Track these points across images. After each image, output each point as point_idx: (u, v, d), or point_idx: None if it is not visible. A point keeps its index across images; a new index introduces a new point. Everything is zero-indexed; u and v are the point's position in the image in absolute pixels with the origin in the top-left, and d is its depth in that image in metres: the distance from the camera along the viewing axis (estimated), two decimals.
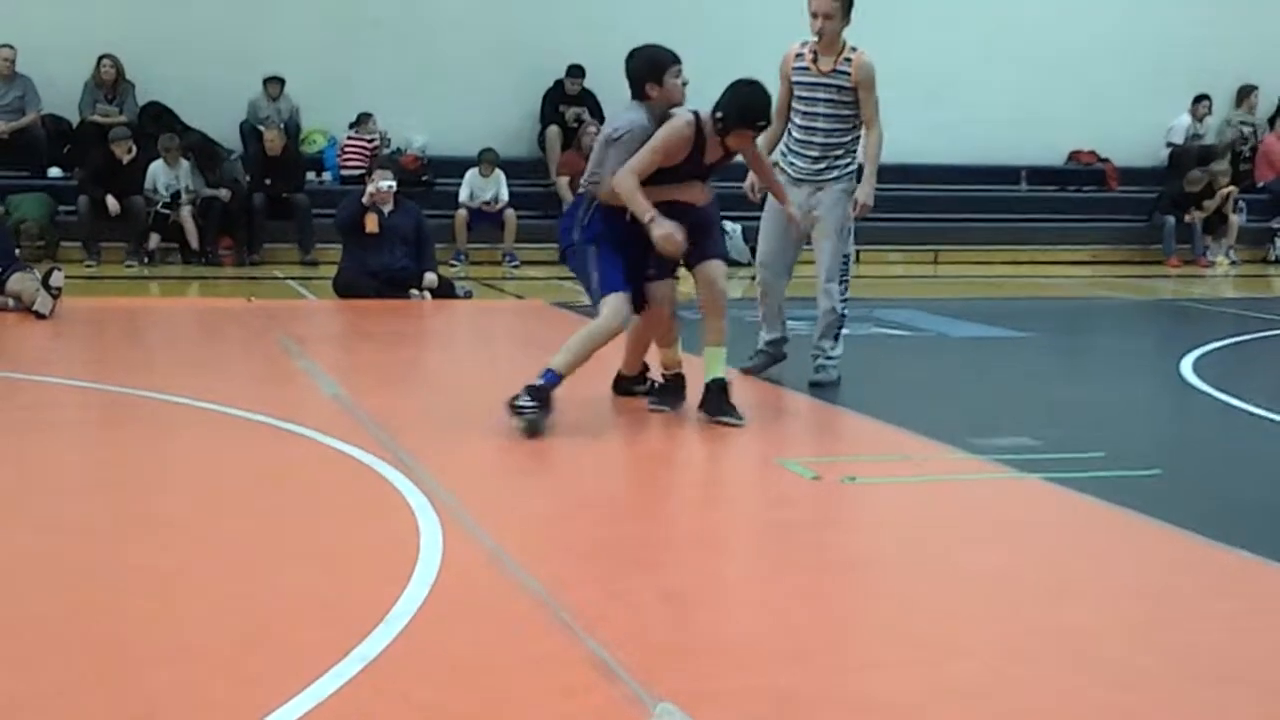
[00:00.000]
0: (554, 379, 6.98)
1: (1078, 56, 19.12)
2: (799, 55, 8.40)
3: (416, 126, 17.52)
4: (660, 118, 7.17)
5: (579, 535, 5.40)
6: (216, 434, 6.95)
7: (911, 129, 16.91)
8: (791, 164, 8.50)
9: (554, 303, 12.72)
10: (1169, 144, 19.53)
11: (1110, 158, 19.51)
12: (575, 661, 3.93)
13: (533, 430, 6.82)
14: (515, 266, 16.41)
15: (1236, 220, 18.50)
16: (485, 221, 16.67)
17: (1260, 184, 19.43)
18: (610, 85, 17.74)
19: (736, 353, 7.93)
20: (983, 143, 18.63)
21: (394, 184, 12.74)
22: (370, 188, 12.62)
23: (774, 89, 7.44)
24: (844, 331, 8.65)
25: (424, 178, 16.73)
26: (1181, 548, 5.22)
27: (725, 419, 7.20)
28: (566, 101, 17.78)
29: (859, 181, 8.45)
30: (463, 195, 16.60)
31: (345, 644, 3.91)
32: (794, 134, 8.46)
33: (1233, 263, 18.25)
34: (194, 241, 15.78)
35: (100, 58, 16.49)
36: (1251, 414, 7.87)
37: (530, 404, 6.86)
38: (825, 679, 3.90)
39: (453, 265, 15.87)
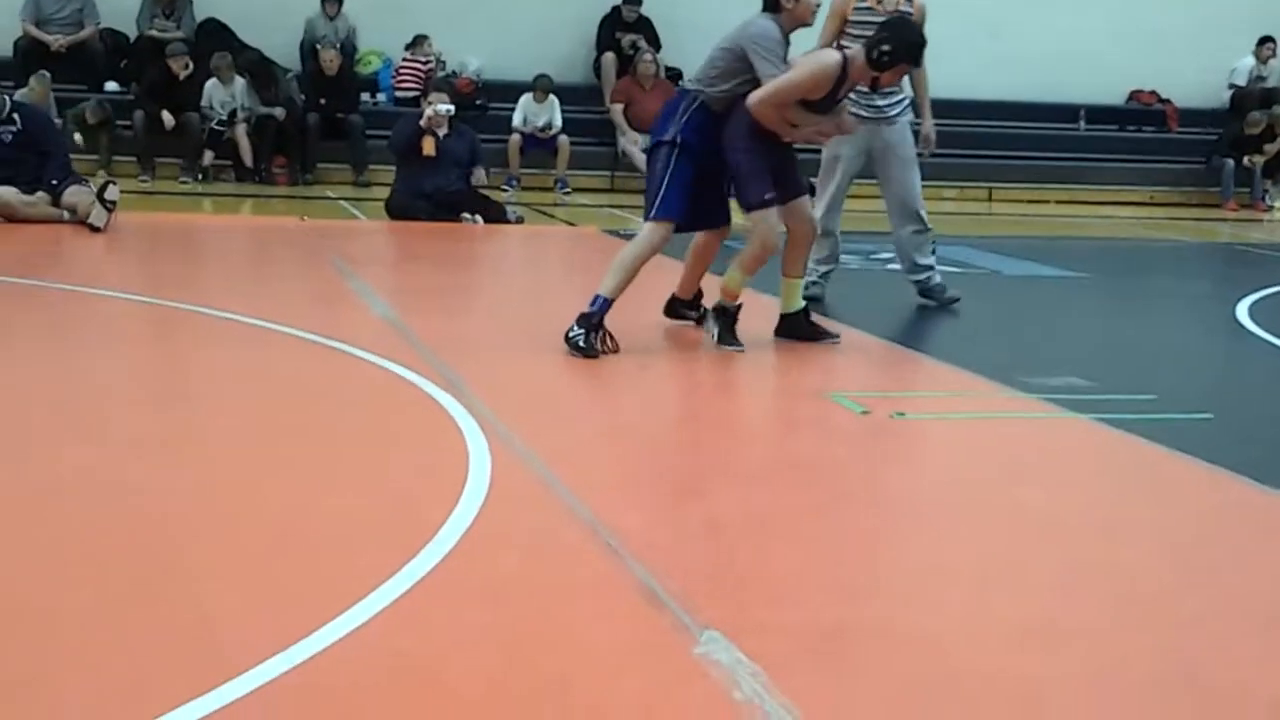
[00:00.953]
0: (604, 304, 6.99)
1: None
2: None
3: (472, 50, 17.44)
4: (787, 34, 7.16)
5: (627, 463, 5.41)
6: (266, 350, 6.98)
7: (970, 63, 16.81)
8: (855, 101, 8.35)
9: (605, 230, 12.71)
10: (1231, 85, 19.25)
11: (1171, 98, 19.27)
12: (622, 588, 3.94)
13: (587, 354, 6.84)
14: (567, 193, 16.38)
15: None
16: (538, 147, 16.62)
17: None
18: (667, 13, 17.73)
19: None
20: (1042, 79, 18.42)
21: (452, 108, 12.71)
22: (428, 111, 12.59)
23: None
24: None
25: (478, 101, 16.67)
26: (1232, 491, 5.18)
27: (823, 339, 7.50)
28: (623, 28, 17.67)
29: (914, 114, 8.61)
30: (516, 120, 16.54)
31: (394, 563, 3.93)
32: None
33: None
34: (248, 159, 15.82)
35: None
36: None
37: (579, 331, 6.90)
38: (872, 613, 3.90)
39: (505, 190, 15.84)
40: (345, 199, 14.69)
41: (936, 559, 4.42)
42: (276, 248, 11.19)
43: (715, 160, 7.18)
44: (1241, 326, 8.85)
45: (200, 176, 15.60)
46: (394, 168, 13.25)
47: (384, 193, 13.31)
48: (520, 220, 13.09)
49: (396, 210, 12.70)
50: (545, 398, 6.39)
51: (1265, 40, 19.25)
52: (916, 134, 8.93)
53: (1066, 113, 18.97)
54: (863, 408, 6.13)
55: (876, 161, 8.78)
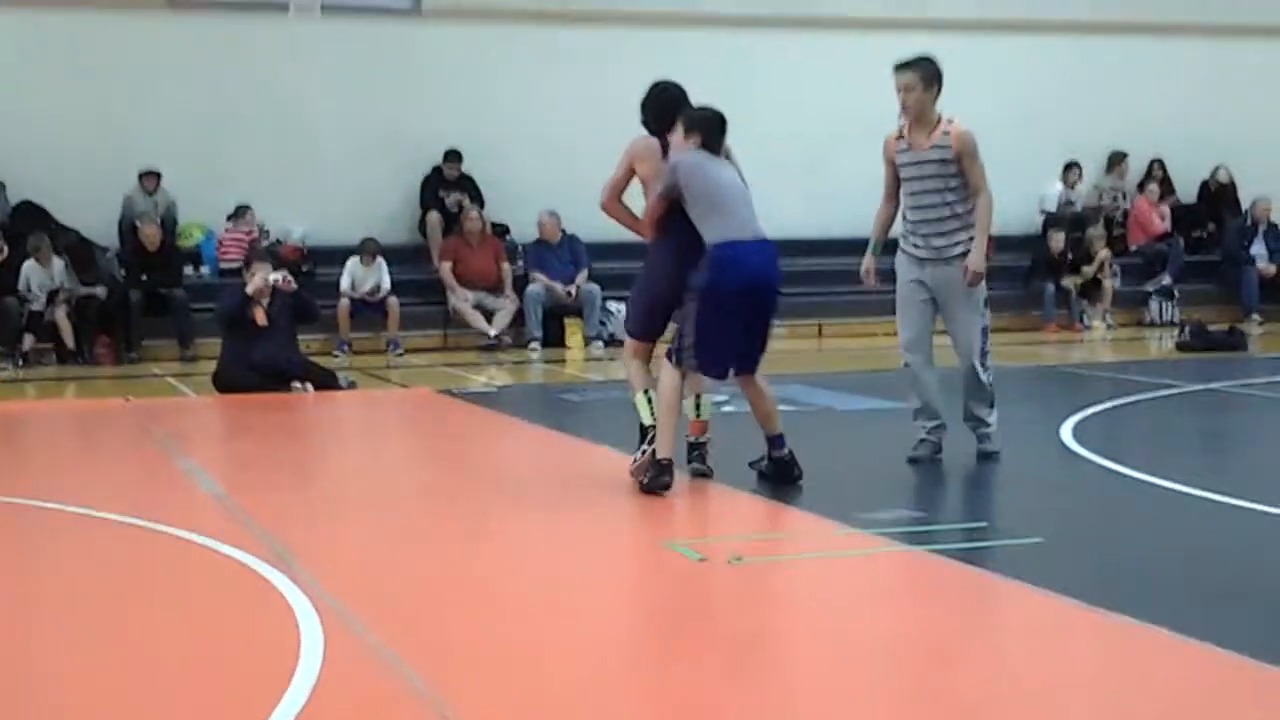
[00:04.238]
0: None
1: None
2: (899, 138, 8.52)
3: (295, 216, 17.41)
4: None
5: (463, 631, 5.33)
6: (89, 540, 6.81)
7: (790, 202, 17.11)
8: (914, 244, 8.58)
9: (439, 390, 12.65)
10: (1043, 211, 19.87)
11: None
12: None
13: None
14: (400, 354, 16.31)
15: (1111, 285, 18.84)
16: (367, 310, 16.58)
17: (1133, 248, 19.82)
18: (489, 170, 17.87)
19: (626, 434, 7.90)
20: (861, 215, 18.72)
21: (279, 276, 12.60)
22: (256, 281, 12.45)
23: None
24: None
25: (304, 268, 16.61)
26: (1062, 613, 5.24)
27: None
28: (446, 186, 17.78)
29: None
30: (344, 284, 16.50)
31: None
32: (910, 215, 8.58)
33: (1109, 326, 18.56)
34: (69, 341, 15.54)
35: None
36: (1130, 478, 7.96)
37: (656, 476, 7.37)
38: None
39: (335, 356, 15.74)
40: (172, 375, 14.47)
41: (779, 703, 4.39)
42: (102, 430, 10.96)
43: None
44: (1067, 448, 9.02)
45: (20, 362, 15.27)
46: (220, 340, 13.09)
47: (212, 366, 13.13)
48: (352, 385, 12.98)
49: (225, 383, 12.52)
50: (378, 567, 6.29)
51: (1071, 166, 19.93)
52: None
53: (887, 246, 19.29)
54: (699, 554, 6.12)
55: (939, 303, 8.64)
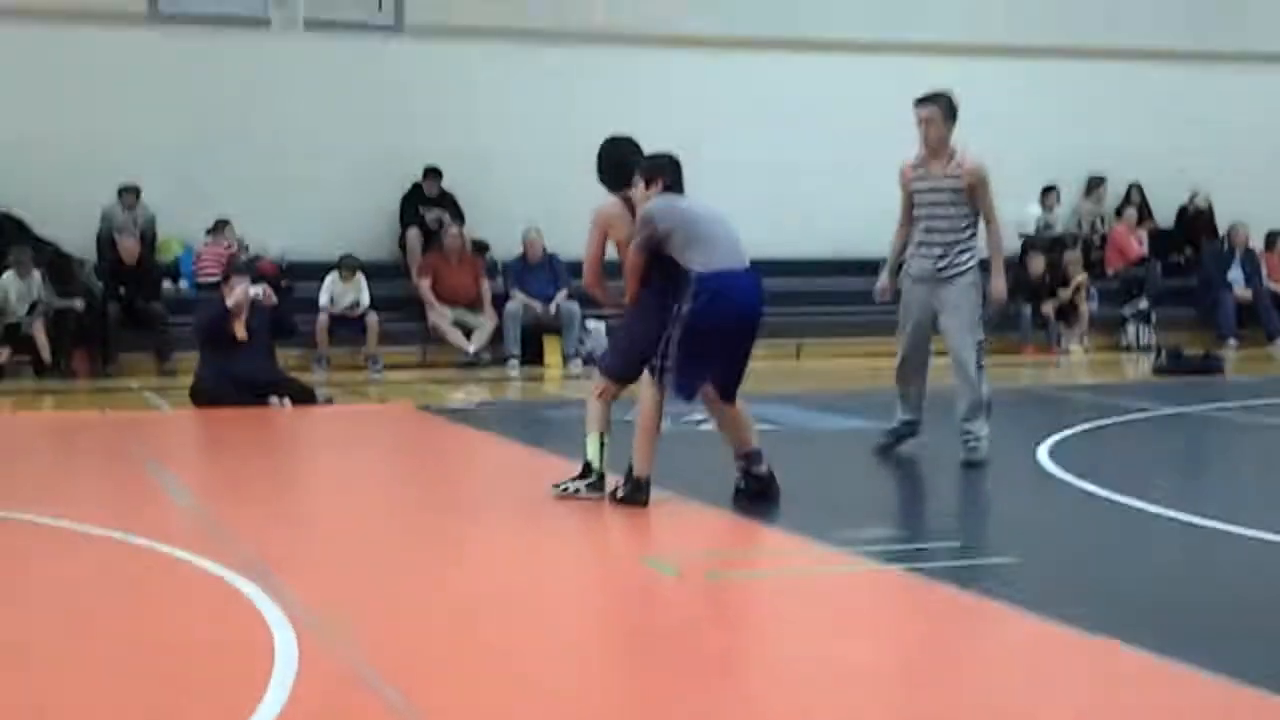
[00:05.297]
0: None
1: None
2: (916, 166, 9.07)
3: (274, 232, 17.38)
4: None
5: (439, 642, 5.32)
6: (63, 553, 6.79)
7: (768, 222, 17.11)
8: (917, 264, 9.08)
9: (418, 406, 12.64)
10: (1021, 234, 19.94)
11: None
12: None
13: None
14: (378, 371, 16.29)
15: (1088, 309, 18.90)
16: (346, 326, 16.55)
17: (1111, 272, 19.89)
18: (469, 187, 17.89)
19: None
20: (839, 235, 18.83)
21: (259, 291, 12.57)
22: (235, 295, 12.40)
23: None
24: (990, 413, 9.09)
25: (283, 283, 16.56)
26: (1037, 632, 5.25)
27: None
28: (425, 203, 17.78)
29: (980, 273, 9.01)
30: (323, 300, 16.47)
31: None
32: (918, 236, 9.08)
33: (1086, 350, 18.61)
34: (46, 355, 15.48)
35: None
36: (1106, 499, 7.98)
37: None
38: None
39: (314, 372, 15.71)
40: (149, 389, 14.43)
41: (749, 714, 4.39)
42: (79, 444, 10.93)
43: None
44: (1043, 469, 9.04)
45: None
46: (198, 353, 13.06)
47: (189, 380, 13.09)
48: (330, 401, 12.96)
49: (202, 397, 12.49)
50: (354, 581, 6.27)
51: (1049, 189, 20.01)
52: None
53: (866, 266, 19.37)
54: (676, 570, 6.12)
55: (939, 319, 9.10)
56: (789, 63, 19.19)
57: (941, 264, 8.98)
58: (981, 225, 9.09)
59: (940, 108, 8.95)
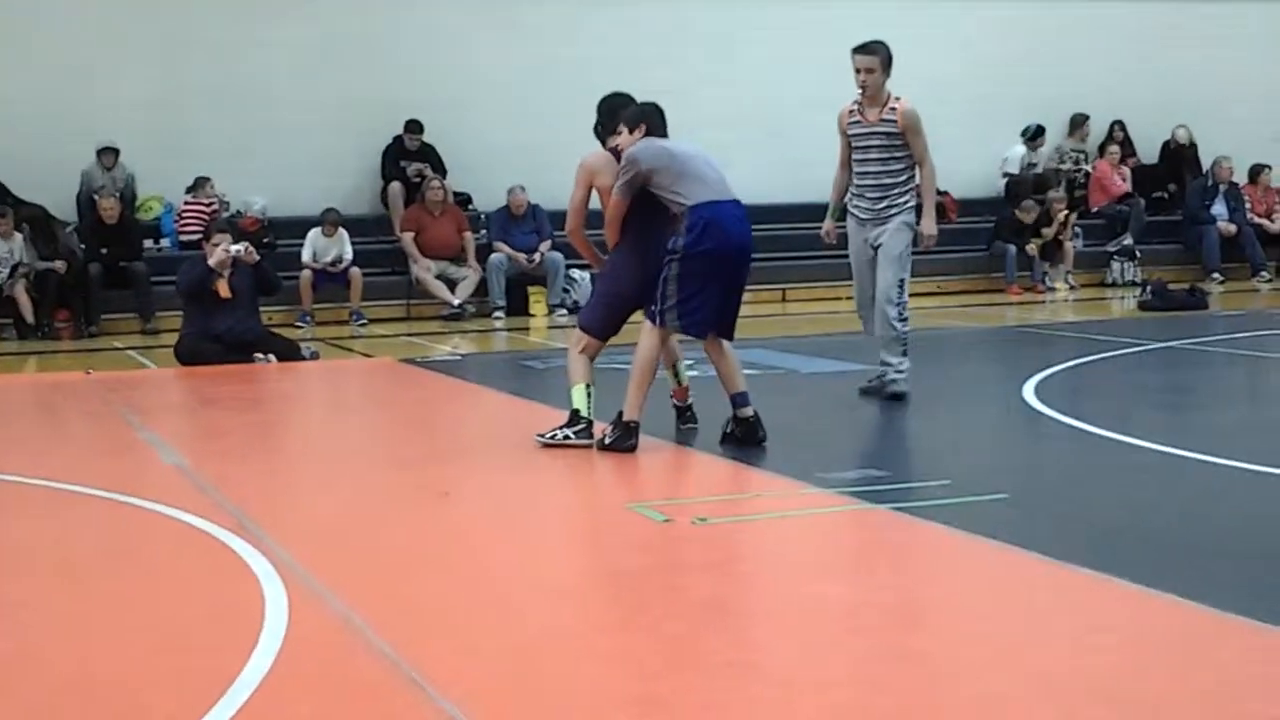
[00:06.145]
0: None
1: (912, 93, 19.37)
2: (852, 111, 9.41)
3: (255, 188, 17.28)
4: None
5: (428, 592, 5.32)
6: (51, 511, 6.78)
7: (752, 168, 17.06)
8: (857, 206, 9.45)
9: (402, 359, 12.62)
10: (1005, 174, 19.91)
11: (949, 190, 19.79)
12: None
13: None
14: (363, 325, 16.25)
15: (1073, 246, 18.89)
16: (330, 281, 16.50)
17: (1094, 209, 19.87)
18: (450, 140, 17.80)
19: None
20: (823, 180, 18.74)
21: (240, 247, 12.48)
22: (218, 253, 12.33)
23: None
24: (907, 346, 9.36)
25: (265, 239, 16.50)
26: (1027, 569, 5.27)
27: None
28: (407, 157, 17.69)
29: (917, 215, 9.30)
30: (305, 255, 16.40)
31: (191, 716, 3.81)
32: (855, 180, 9.44)
33: (1071, 287, 18.60)
34: (29, 316, 15.42)
35: None
36: (1092, 434, 8.00)
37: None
38: None
39: (298, 327, 15.68)
40: (133, 348, 14.39)
41: (744, 663, 4.40)
42: (63, 404, 10.90)
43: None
44: (1030, 406, 9.06)
45: None
46: (181, 312, 13.01)
47: (173, 339, 13.06)
48: (315, 356, 12.93)
49: (187, 355, 12.45)
50: (342, 533, 6.27)
51: (1038, 131, 19.93)
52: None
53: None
54: (664, 516, 6.13)
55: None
56: (769, 9, 19.07)
57: (880, 204, 9.31)
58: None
59: (879, 58, 9.23)
